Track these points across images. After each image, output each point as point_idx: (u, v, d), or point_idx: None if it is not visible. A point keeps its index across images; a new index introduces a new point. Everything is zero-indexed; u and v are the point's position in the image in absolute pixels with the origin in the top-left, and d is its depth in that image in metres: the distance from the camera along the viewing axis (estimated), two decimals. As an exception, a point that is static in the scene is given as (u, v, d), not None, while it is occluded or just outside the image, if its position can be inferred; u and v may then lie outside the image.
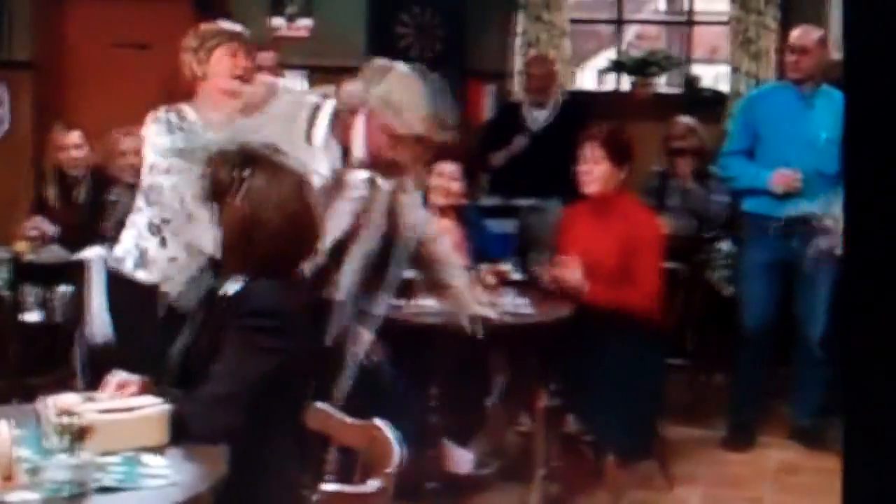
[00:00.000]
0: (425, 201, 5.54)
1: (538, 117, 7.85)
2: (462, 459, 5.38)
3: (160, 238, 4.39)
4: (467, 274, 5.05)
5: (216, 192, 3.34)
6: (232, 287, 3.34)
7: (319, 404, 3.37)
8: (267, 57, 7.42)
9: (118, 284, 4.51)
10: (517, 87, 8.24)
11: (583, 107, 8.11)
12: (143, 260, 4.41)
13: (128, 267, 4.43)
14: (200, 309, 3.47)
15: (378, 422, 3.16)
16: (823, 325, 6.01)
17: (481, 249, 5.63)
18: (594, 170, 5.42)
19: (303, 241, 3.43)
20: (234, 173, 3.31)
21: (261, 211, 3.29)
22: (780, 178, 5.96)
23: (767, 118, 6.13)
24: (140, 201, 4.51)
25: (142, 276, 4.39)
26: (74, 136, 6.76)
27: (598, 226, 5.44)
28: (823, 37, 6.22)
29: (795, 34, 6.28)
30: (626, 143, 5.53)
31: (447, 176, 5.70)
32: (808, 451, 6.01)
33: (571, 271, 5.25)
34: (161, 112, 4.51)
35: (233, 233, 3.32)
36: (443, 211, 5.69)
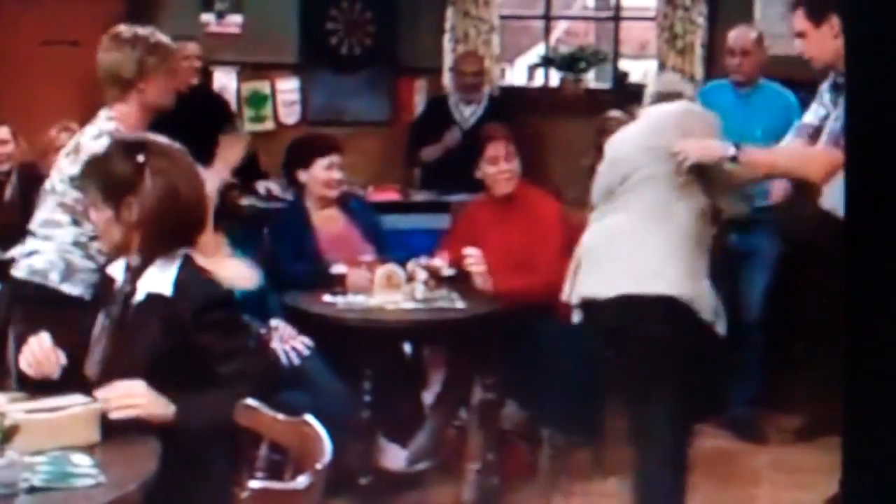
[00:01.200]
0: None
1: (467, 113, 7.87)
2: (395, 455, 5.41)
3: (86, 253, 4.37)
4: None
5: (119, 187, 3.41)
6: (156, 284, 3.41)
7: (249, 401, 3.37)
8: (193, 49, 7.41)
9: (41, 298, 4.42)
10: (448, 82, 8.25)
11: (511, 102, 8.18)
12: (68, 272, 4.38)
13: (53, 280, 4.39)
14: (113, 311, 3.50)
15: (308, 418, 3.16)
16: (759, 309, 6.13)
17: (379, 242, 5.63)
18: (509, 168, 5.55)
19: (204, 210, 3.62)
20: (131, 162, 3.41)
21: (177, 187, 3.43)
22: None
23: None
24: (59, 215, 4.45)
25: (67, 289, 4.36)
26: (2, 132, 6.69)
27: (503, 218, 5.59)
28: (760, 36, 6.31)
29: (734, 36, 6.38)
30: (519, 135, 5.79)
31: (330, 167, 5.69)
32: (740, 441, 6.11)
33: (476, 267, 5.34)
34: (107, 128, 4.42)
35: (157, 215, 3.40)
36: (323, 203, 5.70)
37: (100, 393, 3.23)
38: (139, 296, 3.47)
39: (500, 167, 5.56)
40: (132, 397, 3.24)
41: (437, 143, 7.72)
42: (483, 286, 5.32)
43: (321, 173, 5.63)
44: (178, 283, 3.46)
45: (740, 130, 5.96)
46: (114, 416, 3.18)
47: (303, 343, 4.97)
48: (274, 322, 4.97)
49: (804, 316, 6.32)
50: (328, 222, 5.68)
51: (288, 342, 4.93)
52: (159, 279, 3.48)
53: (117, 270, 3.56)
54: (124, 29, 4.62)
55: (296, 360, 4.89)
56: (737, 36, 6.34)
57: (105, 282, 3.62)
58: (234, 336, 3.50)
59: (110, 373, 3.37)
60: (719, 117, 6.06)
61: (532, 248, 5.44)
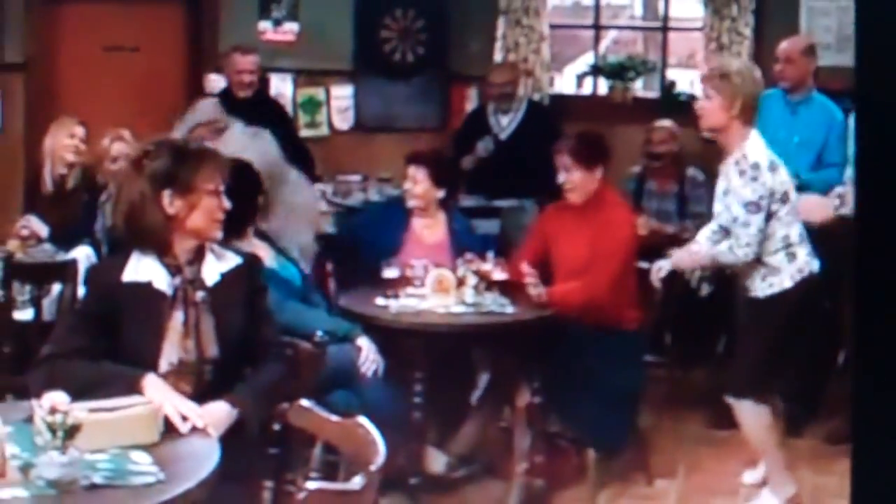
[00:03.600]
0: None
1: (504, 122, 7.95)
2: (435, 460, 5.50)
3: None
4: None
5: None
6: (224, 264, 3.72)
7: (304, 402, 3.49)
8: (252, 60, 7.57)
9: None
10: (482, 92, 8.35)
11: (547, 110, 8.29)
12: None
13: None
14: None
15: (361, 419, 3.24)
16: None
17: (467, 249, 5.72)
18: (569, 180, 5.61)
19: None
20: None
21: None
22: None
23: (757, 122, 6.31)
24: None
25: None
26: (81, 130, 6.78)
27: (574, 224, 5.63)
28: (810, 46, 6.36)
29: (783, 44, 6.45)
30: (596, 145, 5.73)
31: (410, 179, 5.82)
32: (786, 442, 6.16)
33: (534, 289, 5.40)
34: None
35: None
36: (418, 211, 5.84)
37: (196, 413, 3.39)
38: (211, 280, 3.69)
39: (560, 178, 5.65)
40: (217, 423, 3.42)
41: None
42: (538, 301, 5.39)
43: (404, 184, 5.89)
44: (243, 254, 3.83)
45: (782, 137, 6.07)
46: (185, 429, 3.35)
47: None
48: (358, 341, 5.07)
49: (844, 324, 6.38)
50: (426, 229, 5.88)
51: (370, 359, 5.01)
52: (224, 258, 3.74)
53: (146, 273, 3.65)
54: None
55: (378, 372, 5.00)
56: (784, 44, 6.42)
57: (134, 288, 3.66)
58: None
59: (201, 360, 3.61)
60: (767, 123, 6.21)
61: (596, 256, 5.51)
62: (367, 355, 4.95)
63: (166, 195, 3.62)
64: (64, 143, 6.69)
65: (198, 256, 3.70)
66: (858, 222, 1.59)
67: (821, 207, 5.99)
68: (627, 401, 5.59)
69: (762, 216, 4.97)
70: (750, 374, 5.21)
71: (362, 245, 5.82)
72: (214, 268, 3.71)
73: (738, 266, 5.15)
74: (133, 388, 3.40)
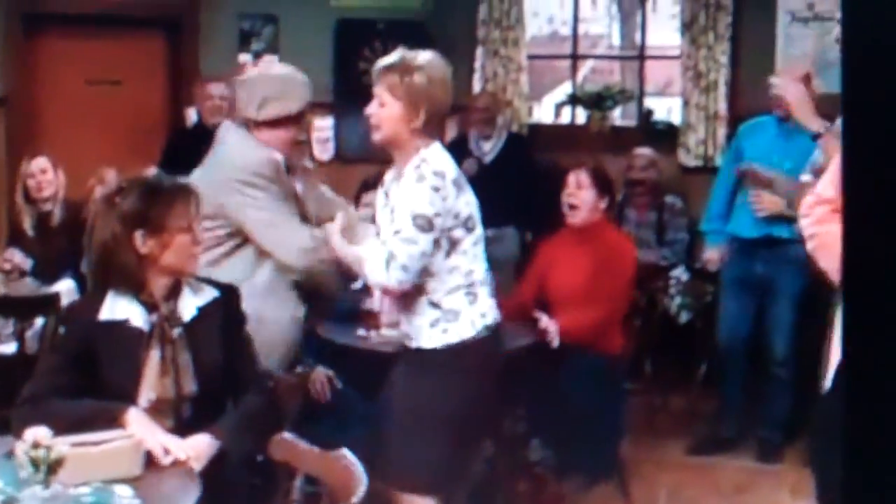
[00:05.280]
0: None
1: (486, 148, 8.00)
2: None
3: None
4: None
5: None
6: (201, 297, 3.72)
7: (286, 434, 3.52)
8: (222, 86, 7.60)
9: None
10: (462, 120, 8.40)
11: (526, 143, 8.36)
12: None
13: None
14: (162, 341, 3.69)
15: (344, 451, 3.27)
16: (785, 344, 6.26)
17: None
18: (578, 197, 5.63)
19: None
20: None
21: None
22: (711, 254, 6.55)
23: (750, 148, 6.39)
24: None
25: None
26: (40, 162, 6.82)
27: (573, 254, 5.65)
28: (808, 74, 6.43)
29: (778, 70, 6.54)
30: (608, 176, 5.80)
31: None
32: (767, 468, 6.22)
33: (553, 340, 5.32)
34: None
35: None
36: None
37: (179, 447, 3.42)
38: (189, 314, 3.70)
39: (569, 194, 5.67)
40: (200, 456, 3.45)
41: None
42: (551, 337, 5.32)
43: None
44: (220, 286, 3.82)
45: (774, 163, 6.16)
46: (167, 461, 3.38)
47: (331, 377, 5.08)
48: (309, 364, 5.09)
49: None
50: None
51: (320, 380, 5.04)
52: (202, 291, 3.76)
53: (123, 311, 3.66)
54: None
55: (327, 396, 5.01)
56: (783, 70, 6.52)
57: (112, 326, 3.65)
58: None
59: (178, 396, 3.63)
60: (764, 147, 6.26)
61: (601, 284, 5.51)
62: (317, 383, 4.96)
63: (138, 235, 3.62)
64: (27, 184, 6.76)
65: (174, 292, 3.71)
66: (846, 237, 1.62)
67: (771, 202, 6.08)
68: (610, 428, 5.63)
69: (430, 239, 3.96)
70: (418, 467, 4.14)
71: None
72: (191, 302, 3.72)
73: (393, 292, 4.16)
74: (115, 422, 3.41)
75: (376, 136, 4.11)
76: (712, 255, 6.60)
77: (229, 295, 3.86)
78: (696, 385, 6.88)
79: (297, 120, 4.49)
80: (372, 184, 5.82)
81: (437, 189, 3.93)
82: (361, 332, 5.32)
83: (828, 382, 4.08)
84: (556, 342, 5.27)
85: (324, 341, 5.23)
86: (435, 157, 4.00)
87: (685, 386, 6.94)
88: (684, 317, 7.09)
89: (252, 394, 3.74)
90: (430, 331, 4.08)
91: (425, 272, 4.00)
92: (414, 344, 4.12)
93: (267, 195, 4.41)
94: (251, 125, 4.45)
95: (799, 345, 6.24)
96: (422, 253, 3.93)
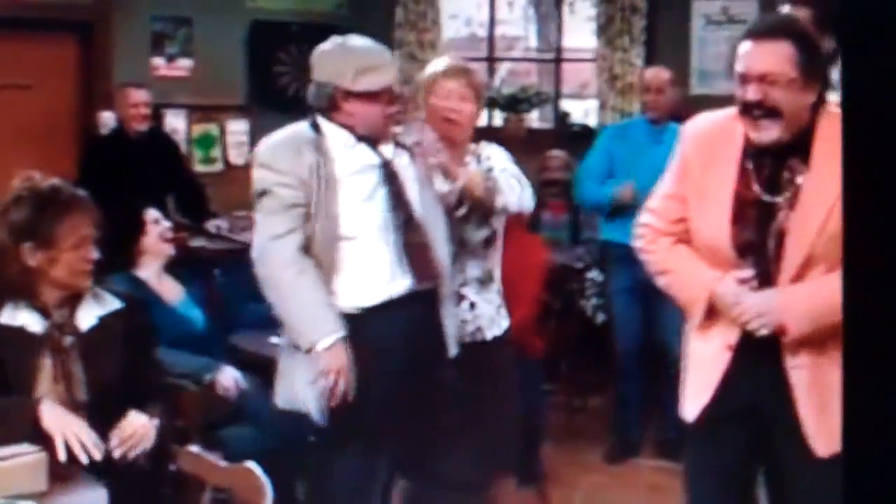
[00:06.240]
0: None
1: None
2: None
3: None
4: None
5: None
6: (103, 306, 3.66)
7: (192, 448, 3.49)
8: (146, 93, 7.52)
9: None
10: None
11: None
12: None
13: None
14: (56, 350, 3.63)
15: (250, 464, 3.26)
16: (680, 344, 6.27)
17: None
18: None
19: None
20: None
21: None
22: (622, 190, 6.31)
23: (621, 151, 6.42)
24: None
25: None
26: None
27: None
28: (672, 77, 6.53)
29: (649, 74, 6.60)
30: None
31: None
32: (680, 467, 6.23)
33: None
34: None
35: None
36: None
37: (115, 434, 3.41)
38: (87, 324, 3.64)
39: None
40: (144, 432, 3.42)
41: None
42: None
43: None
44: (126, 298, 3.76)
45: (648, 164, 6.17)
46: (133, 454, 3.36)
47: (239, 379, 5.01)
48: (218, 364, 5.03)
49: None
50: None
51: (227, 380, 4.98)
52: (104, 301, 3.70)
53: (20, 317, 3.60)
54: None
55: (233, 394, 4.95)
56: (653, 74, 6.58)
57: (9, 331, 3.59)
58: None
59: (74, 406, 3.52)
60: (634, 150, 6.31)
61: (508, 286, 5.52)
62: (225, 386, 4.91)
63: (26, 248, 3.55)
64: None
65: (72, 300, 3.65)
66: (846, 234, 1.58)
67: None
68: (536, 431, 5.63)
69: None
70: None
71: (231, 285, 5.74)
72: (91, 311, 3.66)
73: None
74: (29, 417, 3.34)
75: (457, 133, 4.37)
76: (624, 192, 6.41)
77: (133, 307, 3.81)
78: (613, 386, 6.91)
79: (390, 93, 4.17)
80: None
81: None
82: (274, 339, 5.28)
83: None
84: None
85: (234, 349, 5.20)
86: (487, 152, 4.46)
87: (602, 387, 6.97)
88: (600, 318, 7.12)
89: (150, 405, 3.67)
90: (497, 317, 4.49)
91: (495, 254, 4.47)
92: (480, 336, 4.38)
93: None
94: (339, 97, 4.08)
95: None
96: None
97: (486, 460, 4.35)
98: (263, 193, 4.00)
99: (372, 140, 4.05)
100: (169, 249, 5.22)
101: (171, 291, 5.19)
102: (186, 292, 5.25)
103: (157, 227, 5.22)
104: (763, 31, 3.24)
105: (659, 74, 6.55)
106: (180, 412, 3.96)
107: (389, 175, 4.03)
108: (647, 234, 3.61)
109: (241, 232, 7.70)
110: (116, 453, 3.34)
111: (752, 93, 3.18)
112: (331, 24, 8.68)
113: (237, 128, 8.73)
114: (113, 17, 8.40)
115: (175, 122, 8.49)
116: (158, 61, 8.52)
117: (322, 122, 4.06)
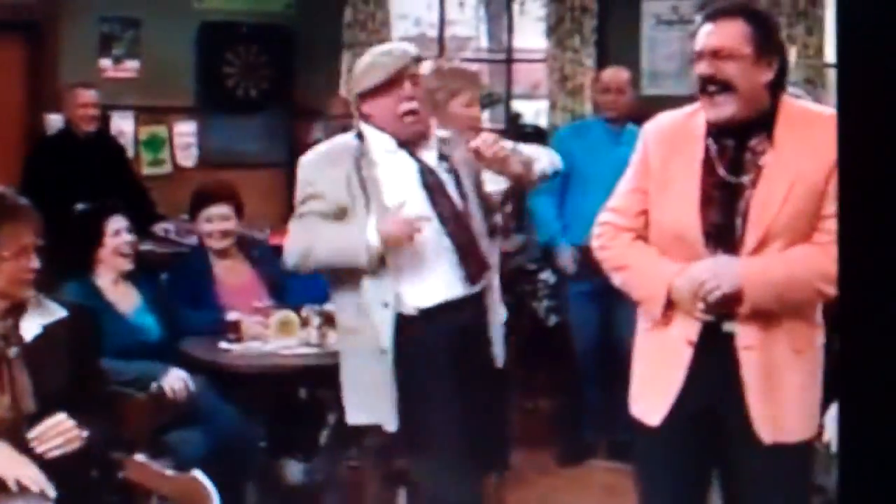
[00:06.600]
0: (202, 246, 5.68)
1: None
2: (291, 470, 5.46)
3: None
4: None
5: None
6: (48, 315, 3.58)
7: (139, 457, 3.45)
8: (94, 94, 7.45)
9: None
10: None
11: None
12: None
13: None
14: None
15: (196, 473, 3.25)
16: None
17: (286, 287, 5.66)
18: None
19: None
20: None
21: None
22: (565, 257, 6.36)
23: (579, 152, 6.37)
24: None
25: None
26: None
27: None
28: (631, 77, 6.53)
29: (609, 75, 6.58)
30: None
31: (218, 218, 5.73)
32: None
33: None
34: None
35: None
36: (223, 253, 5.69)
37: (34, 433, 3.34)
38: (31, 333, 3.57)
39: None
40: (69, 432, 3.34)
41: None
42: None
43: (204, 225, 5.67)
44: (70, 306, 3.69)
45: (607, 163, 6.17)
46: (54, 453, 3.29)
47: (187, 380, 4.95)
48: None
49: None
50: (230, 272, 5.67)
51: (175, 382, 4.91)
52: (47, 310, 3.64)
53: None
54: None
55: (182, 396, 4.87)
56: (612, 74, 6.57)
57: None
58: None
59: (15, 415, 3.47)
60: (593, 151, 6.30)
61: None
62: (172, 388, 4.82)
63: None
64: None
65: (14, 311, 3.59)
66: (840, 237, 1.59)
67: None
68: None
69: None
70: None
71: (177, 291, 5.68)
72: (35, 320, 3.60)
73: None
74: None
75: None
76: (565, 259, 6.51)
77: (78, 316, 3.74)
78: (565, 388, 6.89)
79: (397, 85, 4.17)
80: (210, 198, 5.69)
81: None
82: (223, 344, 5.24)
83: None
84: None
85: (183, 355, 5.14)
86: None
87: (555, 389, 6.95)
88: (553, 320, 7.10)
89: (94, 414, 3.61)
90: (500, 308, 4.57)
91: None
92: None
93: None
94: (358, 103, 4.23)
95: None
96: None
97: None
98: (300, 202, 4.24)
99: (411, 144, 4.20)
100: (124, 264, 5.14)
101: (127, 299, 5.13)
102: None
103: (116, 238, 5.13)
104: (719, 11, 3.33)
105: (618, 75, 6.54)
106: (126, 420, 3.89)
107: (432, 179, 4.19)
108: (606, 231, 3.62)
109: (189, 235, 7.64)
110: (38, 450, 3.28)
111: (704, 66, 3.25)
112: (280, 25, 8.69)
113: (185, 129, 8.66)
114: (60, 18, 8.32)
115: (122, 124, 8.40)
116: (106, 62, 8.44)
117: (364, 128, 4.22)
